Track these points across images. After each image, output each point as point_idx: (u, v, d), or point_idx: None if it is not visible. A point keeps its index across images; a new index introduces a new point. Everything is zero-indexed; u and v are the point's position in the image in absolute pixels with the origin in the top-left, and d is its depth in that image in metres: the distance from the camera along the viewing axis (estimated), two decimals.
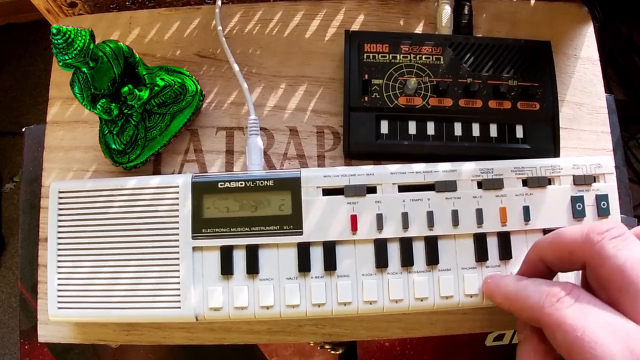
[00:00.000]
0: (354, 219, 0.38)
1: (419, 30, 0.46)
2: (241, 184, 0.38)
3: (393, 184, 0.38)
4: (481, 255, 0.38)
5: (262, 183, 0.38)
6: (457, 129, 0.42)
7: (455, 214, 0.38)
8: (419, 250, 0.38)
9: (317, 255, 0.37)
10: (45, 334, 0.41)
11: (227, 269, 0.37)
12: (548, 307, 0.28)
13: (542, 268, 0.33)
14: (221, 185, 0.38)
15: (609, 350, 0.25)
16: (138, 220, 0.38)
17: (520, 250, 0.38)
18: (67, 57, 0.34)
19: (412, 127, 0.42)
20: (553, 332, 0.28)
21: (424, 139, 0.42)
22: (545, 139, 0.42)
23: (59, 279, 0.38)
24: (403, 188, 0.38)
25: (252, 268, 0.37)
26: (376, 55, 0.42)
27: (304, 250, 0.37)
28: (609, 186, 0.39)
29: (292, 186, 0.38)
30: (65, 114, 0.45)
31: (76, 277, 0.38)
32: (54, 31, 0.33)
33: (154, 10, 0.47)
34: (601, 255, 0.28)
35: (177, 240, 0.38)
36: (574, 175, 0.39)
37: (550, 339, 0.28)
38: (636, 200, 1.15)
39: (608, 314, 0.27)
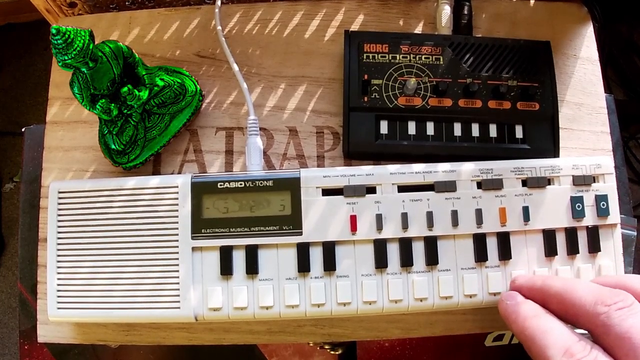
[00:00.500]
0: (353, 219, 0.38)
1: (418, 30, 0.46)
2: (241, 184, 0.38)
3: (392, 184, 0.38)
4: (481, 255, 0.38)
5: (261, 183, 0.38)
6: (457, 129, 0.42)
7: (454, 214, 0.38)
8: (418, 251, 0.38)
9: (316, 256, 0.37)
10: (45, 334, 0.41)
11: (226, 269, 0.37)
12: None
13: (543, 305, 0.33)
14: (221, 185, 0.38)
15: None
16: (137, 220, 0.38)
17: (520, 250, 0.38)
18: (66, 57, 0.34)
19: (411, 128, 0.42)
20: None
21: (424, 139, 0.42)
22: (544, 139, 0.42)
23: (58, 279, 0.38)
24: (402, 188, 0.38)
25: (252, 268, 0.37)
26: (376, 55, 0.42)
27: (303, 251, 0.37)
28: (609, 186, 0.39)
29: (292, 186, 0.38)
30: (64, 114, 0.45)
31: (76, 277, 0.38)
32: (54, 31, 0.33)
33: (153, 11, 0.47)
34: (605, 325, 0.29)
35: (177, 241, 0.38)
36: (573, 176, 0.39)
37: None
38: (636, 201, 1.15)
39: None
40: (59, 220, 0.39)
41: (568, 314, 0.31)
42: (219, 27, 0.44)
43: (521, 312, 0.33)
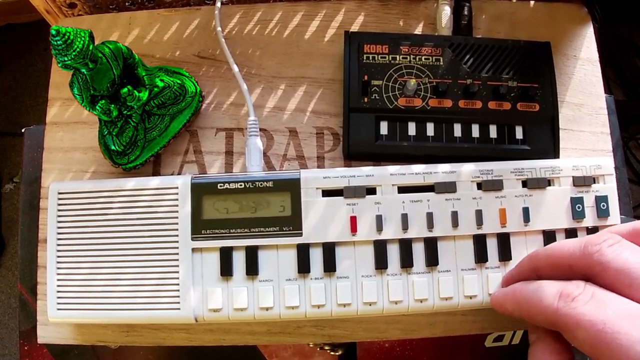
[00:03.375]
0: (353, 220, 0.38)
1: (418, 31, 0.46)
2: (241, 185, 0.38)
3: (393, 185, 0.38)
4: (481, 256, 0.38)
5: (261, 184, 0.38)
6: (457, 130, 0.42)
7: (454, 215, 0.38)
8: (418, 252, 0.38)
9: (316, 257, 0.37)
10: (45, 334, 0.41)
11: (226, 270, 0.37)
12: (563, 308, 0.28)
13: (534, 279, 0.33)
14: (221, 186, 0.38)
15: (633, 337, 0.25)
16: (137, 221, 0.38)
17: (520, 251, 0.38)
18: (66, 58, 0.34)
19: (411, 128, 0.42)
20: (573, 332, 0.27)
21: (424, 140, 0.42)
22: (544, 140, 0.42)
23: (58, 280, 0.38)
24: (403, 189, 0.38)
25: (252, 269, 0.37)
26: (376, 56, 0.42)
27: (303, 252, 0.37)
28: (609, 187, 0.39)
29: (292, 187, 0.38)
30: (64, 115, 0.45)
31: (76, 278, 0.38)
32: (53, 32, 0.33)
33: (153, 11, 0.47)
34: (601, 262, 0.28)
35: (177, 242, 0.38)
36: (573, 177, 0.39)
37: (571, 340, 0.28)
38: (636, 201, 1.15)
39: (626, 303, 0.27)
40: (59, 221, 0.38)
41: (562, 270, 0.31)
42: (219, 28, 0.44)
43: (508, 290, 0.34)
